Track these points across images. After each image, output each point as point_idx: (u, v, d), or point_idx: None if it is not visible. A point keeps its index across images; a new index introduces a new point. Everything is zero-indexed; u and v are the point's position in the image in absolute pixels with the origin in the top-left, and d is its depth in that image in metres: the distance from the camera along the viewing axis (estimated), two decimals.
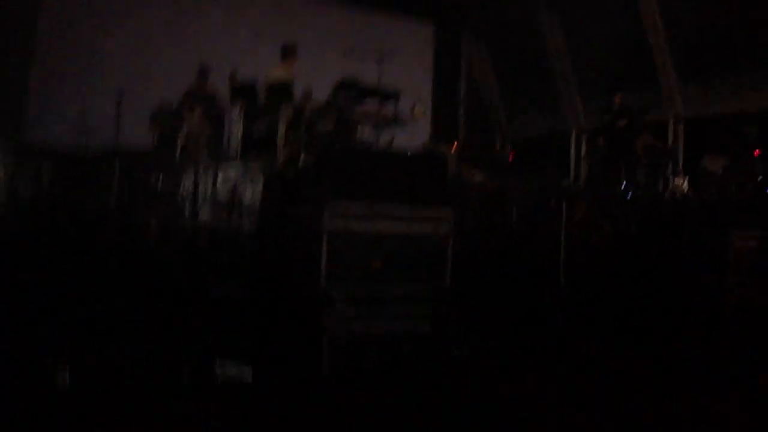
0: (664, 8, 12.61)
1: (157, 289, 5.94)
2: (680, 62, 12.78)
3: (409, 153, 6.92)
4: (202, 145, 9.54)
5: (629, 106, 11.62)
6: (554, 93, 15.28)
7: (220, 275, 6.19)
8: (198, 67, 10.70)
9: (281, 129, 8.92)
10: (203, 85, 10.61)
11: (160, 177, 7.12)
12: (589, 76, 14.39)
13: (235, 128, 9.48)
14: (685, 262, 7.88)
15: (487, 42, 17.12)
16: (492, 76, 17.15)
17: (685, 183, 11.00)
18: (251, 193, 6.57)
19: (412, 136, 11.75)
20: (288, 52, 9.78)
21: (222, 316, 5.69)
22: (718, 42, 11.86)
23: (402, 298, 5.53)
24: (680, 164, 12.41)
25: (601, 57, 13.56)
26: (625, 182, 11.09)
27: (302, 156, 9.09)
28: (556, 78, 15.14)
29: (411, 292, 5.58)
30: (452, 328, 5.84)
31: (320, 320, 5.22)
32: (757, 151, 9.98)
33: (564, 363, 6.20)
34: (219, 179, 6.68)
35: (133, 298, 5.75)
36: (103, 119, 10.04)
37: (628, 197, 10.08)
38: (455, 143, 12.96)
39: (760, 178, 9.82)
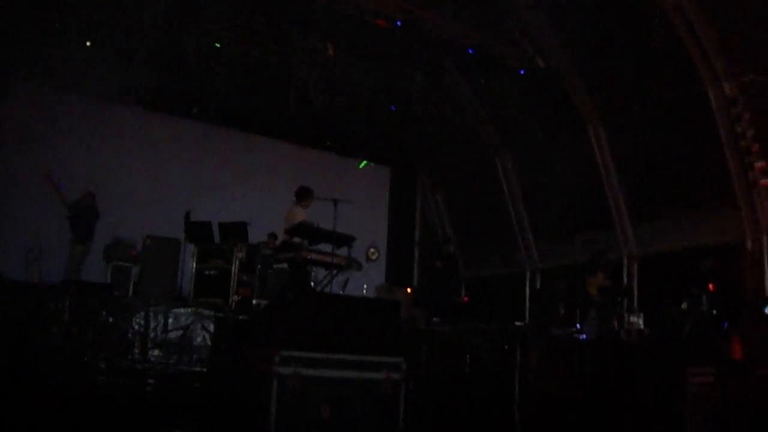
0: (615, 151, 13.01)
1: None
2: (632, 202, 13.06)
3: (361, 299, 6.88)
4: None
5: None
6: (509, 235, 15.50)
7: (170, 418, 6.00)
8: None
9: (234, 269, 8.88)
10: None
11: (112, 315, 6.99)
12: (544, 219, 14.70)
13: (189, 267, 9.43)
14: (644, 401, 7.83)
15: (443, 185, 17.48)
16: (447, 220, 17.41)
17: (640, 321, 11.08)
18: (203, 335, 6.46)
19: (367, 279, 11.81)
20: (304, 194, 9.03)
21: None
22: (667, 181, 12.20)
23: None
24: (635, 303, 12.51)
25: (556, 199, 13.85)
26: (579, 324, 11.14)
27: (255, 299, 9.04)
28: (511, 220, 15.40)
29: None
30: None
31: None
32: (711, 285, 10.14)
33: None
34: (170, 320, 6.58)
35: None
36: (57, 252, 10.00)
37: (583, 338, 10.10)
38: (409, 288, 13.04)
39: (714, 312, 9.96)
